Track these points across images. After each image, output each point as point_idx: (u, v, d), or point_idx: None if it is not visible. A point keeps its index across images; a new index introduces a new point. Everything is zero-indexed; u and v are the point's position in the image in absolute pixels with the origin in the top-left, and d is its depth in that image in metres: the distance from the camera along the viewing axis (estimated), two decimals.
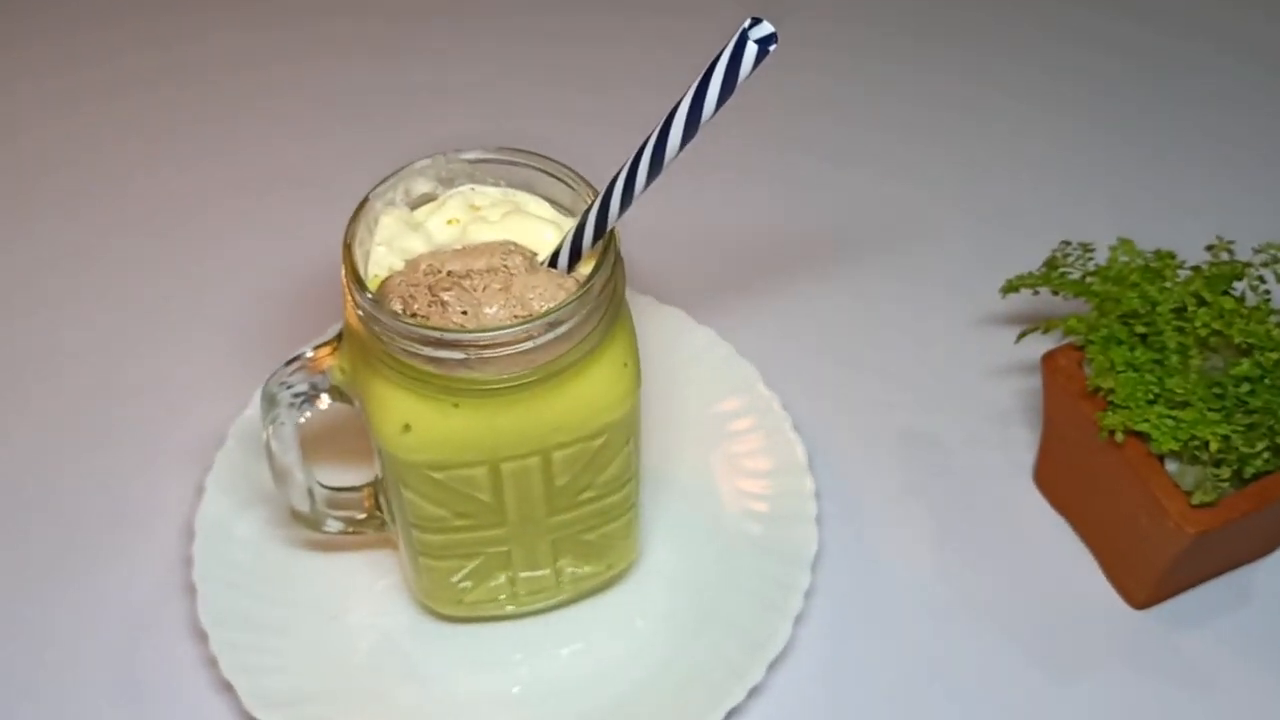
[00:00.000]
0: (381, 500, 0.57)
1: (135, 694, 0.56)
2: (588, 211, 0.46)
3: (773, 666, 0.55)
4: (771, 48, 0.38)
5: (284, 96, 0.84)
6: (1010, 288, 0.61)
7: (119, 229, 0.76)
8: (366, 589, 0.59)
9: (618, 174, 0.44)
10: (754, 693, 0.54)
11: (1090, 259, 0.60)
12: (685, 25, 0.86)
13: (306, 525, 0.56)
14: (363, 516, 0.57)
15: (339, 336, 0.51)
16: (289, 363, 0.51)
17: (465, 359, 0.45)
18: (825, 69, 0.84)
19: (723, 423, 0.64)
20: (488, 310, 0.46)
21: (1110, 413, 0.54)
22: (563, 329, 0.45)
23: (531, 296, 0.47)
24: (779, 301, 0.71)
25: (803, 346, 0.69)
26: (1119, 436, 0.54)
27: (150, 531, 0.61)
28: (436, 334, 0.44)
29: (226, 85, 0.85)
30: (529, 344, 0.45)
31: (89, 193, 0.78)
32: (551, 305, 0.46)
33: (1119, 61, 0.85)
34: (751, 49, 0.38)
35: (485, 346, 0.45)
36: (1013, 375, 0.67)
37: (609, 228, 0.46)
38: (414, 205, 0.51)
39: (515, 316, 0.46)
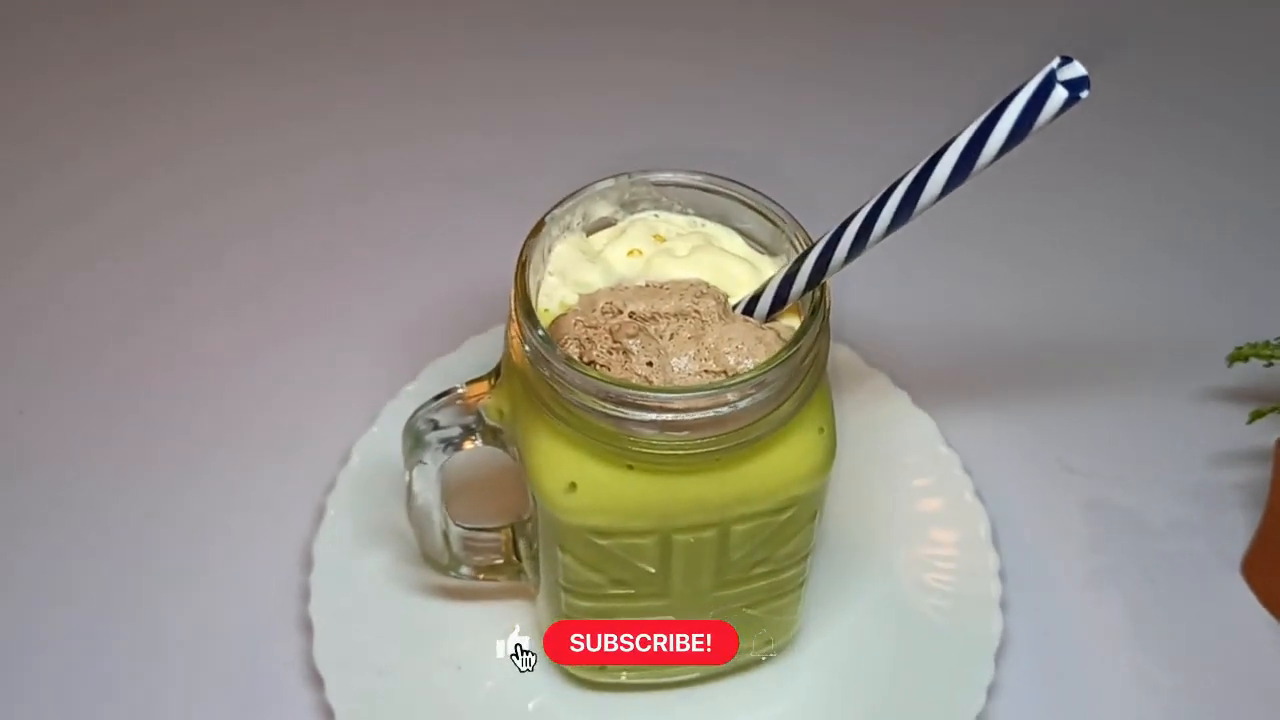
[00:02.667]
0: (521, 547, 0.51)
1: None
2: (806, 254, 0.40)
3: None
4: (1083, 94, 0.31)
5: (456, 95, 0.79)
6: (1239, 356, 0.54)
7: (253, 230, 0.72)
8: (498, 641, 0.53)
9: (853, 215, 0.38)
10: None
11: None
12: (943, 46, 0.79)
13: (439, 570, 0.51)
14: (499, 561, 0.51)
15: (495, 372, 0.45)
16: (438, 397, 0.45)
17: (652, 420, 0.39)
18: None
19: (897, 480, 0.57)
20: (676, 363, 0.40)
21: None
22: (765, 393, 0.39)
23: (727, 350, 0.40)
24: (963, 349, 0.64)
25: (989, 403, 0.62)
26: None
27: (268, 557, 0.56)
28: (619, 391, 0.39)
29: (391, 83, 0.80)
30: (726, 409, 0.39)
31: (224, 193, 0.74)
32: (754, 364, 0.40)
33: None
34: (1059, 93, 0.31)
35: (676, 411, 0.38)
36: (1232, 457, 0.59)
37: (828, 276, 0.39)
38: (590, 230, 0.45)
39: (707, 372, 0.40)
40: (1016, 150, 0.34)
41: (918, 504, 0.56)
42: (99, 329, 0.66)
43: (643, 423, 0.39)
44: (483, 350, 0.60)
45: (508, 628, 0.53)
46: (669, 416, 0.39)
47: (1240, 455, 0.59)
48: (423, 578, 0.54)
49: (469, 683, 0.52)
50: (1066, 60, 0.32)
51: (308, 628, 0.52)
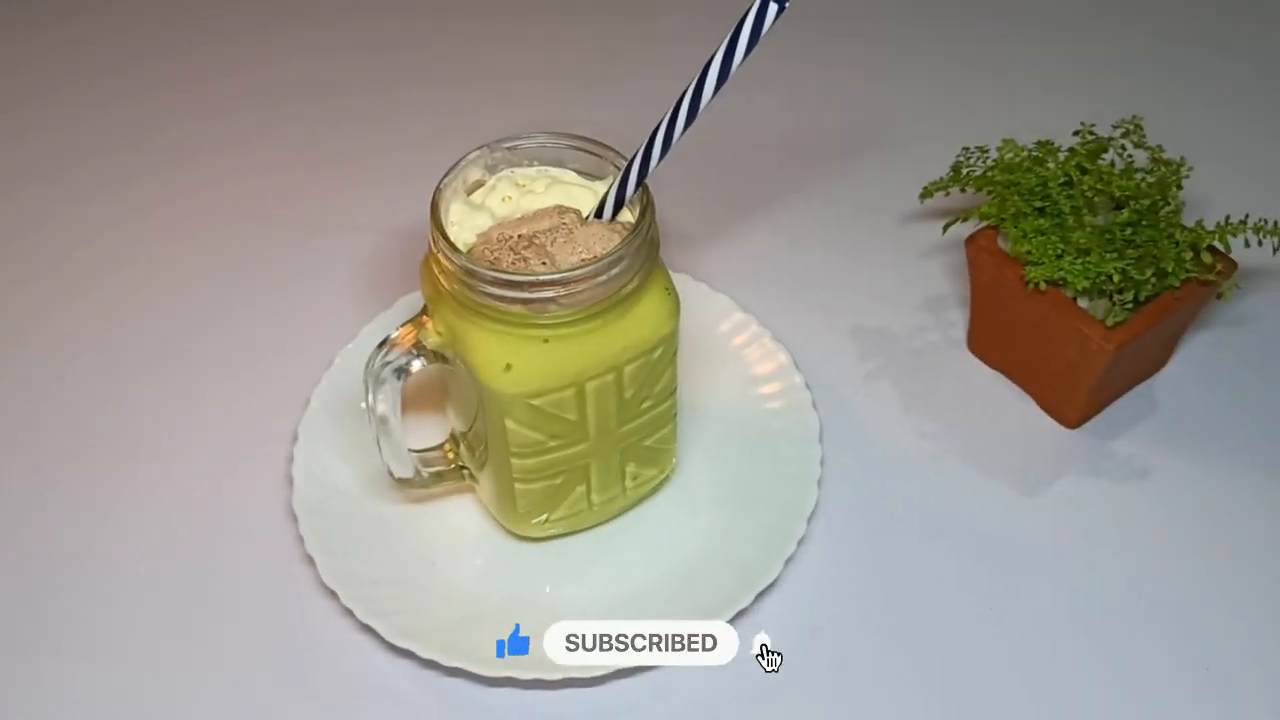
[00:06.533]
0: (463, 451, 0.67)
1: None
2: (630, 164, 0.57)
3: (810, 521, 0.67)
4: (787, 4, 0.50)
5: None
6: (927, 193, 0.75)
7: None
8: (448, 538, 0.69)
9: (657, 127, 0.56)
10: (802, 542, 0.66)
11: (986, 157, 0.74)
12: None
13: (411, 488, 0.66)
14: (452, 468, 0.67)
15: (423, 311, 0.61)
16: (380, 346, 0.61)
17: (555, 296, 0.56)
18: None
19: (713, 339, 0.76)
20: (562, 259, 0.57)
21: (1032, 268, 0.68)
22: (626, 263, 0.57)
23: (594, 243, 0.58)
24: (719, 226, 0.85)
25: (762, 277, 0.82)
26: (1042, 286, 0.68)
27: (258, 521, 0.70)
28: (531, 278, 0.55)
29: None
30: (604, 277, 0.56)
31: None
32: (614, 246, 0.57)
33: None
34: (772, 8, 0.50)
35: (573, 283, 0.56)
36: (940, 265, 0.81)
37: (650, 171, 0.57)
38: (469, 191, 0.62)
39: (584, 260, 0.57)
40: None
41: (740, 355, 0.75)
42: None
43: (551, 299, 0.56)
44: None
45: (460, 520, 0.69)
46: (568, 291, 0.56)
47: (946, 260, 0.81)
48: (382, 503, 0.69)
49: (443, 573, 0.67)
50: None
51: (309, 561, 0.66)
